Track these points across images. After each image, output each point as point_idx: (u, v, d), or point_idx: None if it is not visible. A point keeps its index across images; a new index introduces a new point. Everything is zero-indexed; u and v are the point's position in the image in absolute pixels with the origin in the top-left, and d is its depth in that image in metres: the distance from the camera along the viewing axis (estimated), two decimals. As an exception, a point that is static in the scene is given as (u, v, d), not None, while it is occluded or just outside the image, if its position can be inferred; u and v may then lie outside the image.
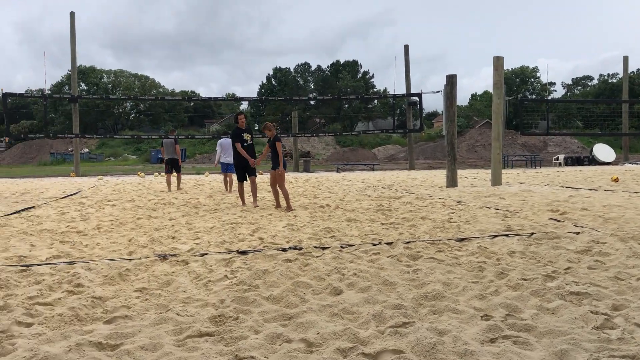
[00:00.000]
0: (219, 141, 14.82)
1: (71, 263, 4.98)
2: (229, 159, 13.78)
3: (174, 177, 15.70)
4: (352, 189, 14.25)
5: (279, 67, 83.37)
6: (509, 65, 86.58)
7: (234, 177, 14.43)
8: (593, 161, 34.18)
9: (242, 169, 10.46)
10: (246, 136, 10.25)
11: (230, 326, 3.15)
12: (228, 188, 14.57)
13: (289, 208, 9.36)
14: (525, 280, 4.08)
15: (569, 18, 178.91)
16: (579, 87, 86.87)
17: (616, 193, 11.13)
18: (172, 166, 15.41)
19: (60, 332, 3.05)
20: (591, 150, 36.06)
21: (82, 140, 50.20)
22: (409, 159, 33.45)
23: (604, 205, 8.77)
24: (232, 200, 11.48)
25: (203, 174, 27.19)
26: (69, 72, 61.25)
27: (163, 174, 27.24)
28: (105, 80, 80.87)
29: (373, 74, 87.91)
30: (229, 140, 14.66)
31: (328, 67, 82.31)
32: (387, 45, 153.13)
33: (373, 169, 32.97)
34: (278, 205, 9.89)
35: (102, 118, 73.10)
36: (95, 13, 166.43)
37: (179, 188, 15.54)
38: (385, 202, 10.42)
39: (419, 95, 30.08)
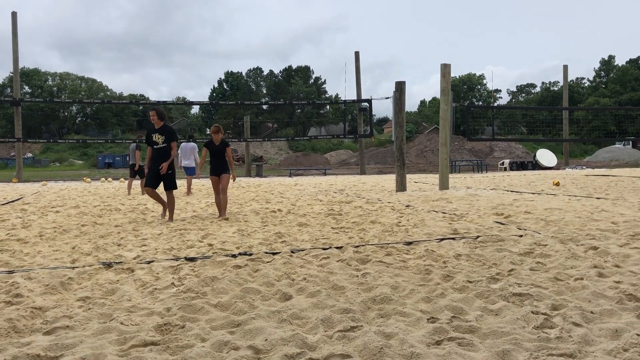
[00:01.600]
0: (181, 145, 15.43)
1: (10, 272, 4.78)
2: (187, 163, 15.24)
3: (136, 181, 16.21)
4: (304, 194, 14.26)
5: (231, 71, 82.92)
6: (457, 72, 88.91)
7: (194, 180, 15.04)
8: (536, 166, 35.37)
9: (154, 176, 8.79)
10: (156, 137, 8.73)
11: (176, 335, 3.09)
12: (187, 192, 14.91)
13: (224, 215, 9.01)
14: (470, 282, 4.17)
15: (515, 27, 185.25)
16: (523, 94, 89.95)
17: (557, 197, 11.56)
18: (136, 171, 15.51)
19: (-4, 345, 2.92)
20: (534, 156, 37.32)
21: (25, 145, 48.44)
22: (360, 164, 33.75)
23: (546, 208, 9.08)
24: (182, 206, 11.29)
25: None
26: (11, 74, 59.04)
27: (110, 179, 26.57)
28: (50, 82, 78.19)
29: (325, 80, 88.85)
30: (190, 144, 15.68)
31: (280, 72, 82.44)
32: (340, 50, 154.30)
33: (325, 174, 33.12)
34: (221, 215, 9.08)
35: (47, 122, 70.76)
36: (40, 13, 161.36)
37: (142, 193, 15.38)
38: (337, 206, 10.48)
39: (369, 101, 30.41)
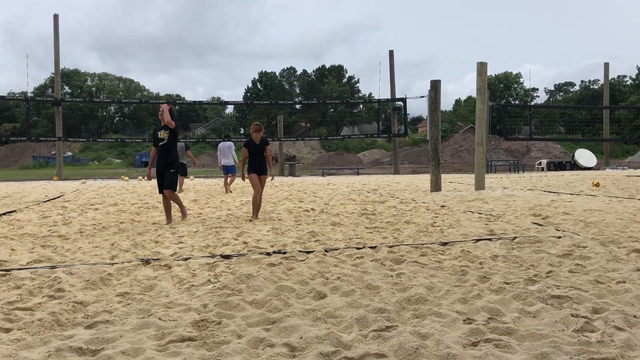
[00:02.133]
0: (219, 145, 16.24)
1: (52, 267, 4.92)
2: (227, 162, 15.85)
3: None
4: (337, 193, 14.26)
5: (265, 71, 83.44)
6: (493, 71, 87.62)
7: (237, 178, 15.96)
8: (575, 166, 34.56)
9: (161, 175, 8.45)
10: (162, 134, 8.38)
11: (213, 331, 3.13)
12: (226, 189, 15.53)
13: (256, 216, 8.72)
14: (507, 284, 4.11)
15: (554, 25, 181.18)
16: (561, 93, 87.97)
17: (597, 198, 11.28)
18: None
19: (40, 338, 3.01)
20: (573, 155, 36.47)
21: (65, 144, 49.71)
22: (394, 164, 33.56)
23: (585, 209, 8.87)
24: (217, 204, 11.43)
25: (187, 177, 27.02)
26: (52, 75, 60.70)
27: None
28: (89, 83, 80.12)
29: (358, 79, 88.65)
30: (227, 143, 16.31)
31: (314, 71, 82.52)
32: (373, 50, 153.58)
33: (358, 173, 33.04)
34: (254, 217, 8.72)
35: (86, 121, 72.46)
36: (80, 14, 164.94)
37: (180, 190, 15.58)
38: (370, 206, 10.44)
39: (404, 100, 30.22)
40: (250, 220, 8.48)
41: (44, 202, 12.69)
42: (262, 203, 9.55)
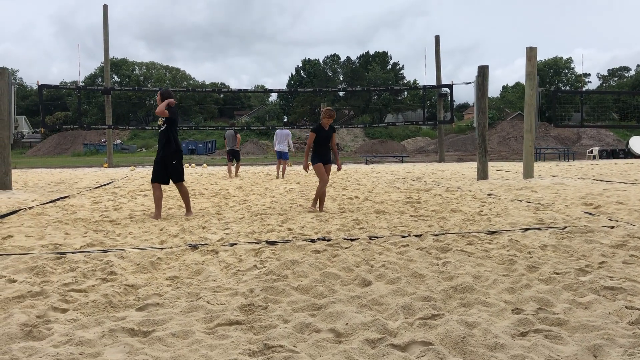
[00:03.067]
0: (277, 131, 17.11)
1: (104, 251, 5.08)
2: (282, 148, 16.60)
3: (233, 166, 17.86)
4: (381, 181, 14.19)
5: (308, 58, 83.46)
6: (543, 56, 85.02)
7: (284, 165, 16.82)
8: (629, 154, 33.35)
9: (164, 167, 7.70)
10: (159, 121, 7.80)
11: (260, 315, 3.18)
12: (279, 175, 16.61)
13: (322, 207, 8.22)
14: (557, 274, 4.01)
15: (609, 6, 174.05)
16: (615, 79, 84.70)
17: (653, 187, 10.85)
18: (233, 155, 17.57)
19: (94, 318, 3.12)
20: (627, 143, 35.18)
21: (114, 132, 51.12)
22: (439, 151, 33.14)
23: (640, 199, 8.55)
24: (261, 192, 11.54)
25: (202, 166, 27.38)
26: (102, 64, 62.31)
27: (193, 165, 27.51)
28: (137, 72, 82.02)
29: (403, 65, 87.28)
30: (285, 131, 17.25)
31: (357, 58, 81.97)
32: (419, 35, 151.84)
33: (402, 161, 32.77)
34: (315, 208, 8.26)
35: (134, 109, 74.18)
36: (129, 5, 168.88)
37: (236, 175, 17.50)
38: (415, 194, 10.35)
39: (450, 86, 29.67)
40: (316, 211, 8.04)
41: (95, 188, 13.10)
42: (306, 192, 9.57)
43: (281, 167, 16.78)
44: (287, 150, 16.71)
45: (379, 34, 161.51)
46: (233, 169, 17.77)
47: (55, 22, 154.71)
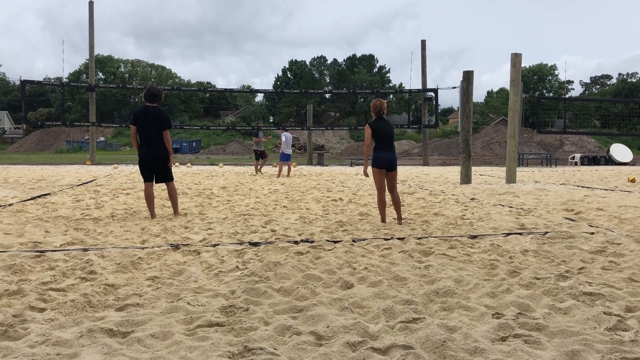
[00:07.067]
0: (285, 134, 17.86)
1: (85, 250, 5.02)
2: (289, 151, 17.57)
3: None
4: (365, 184, 14.21)
5: (295, 59, 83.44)
6: (528, 62, 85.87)
7: (289, 166, 17.72)
8: (610, 161, 33.74)
9: (150, 169, 7.63)
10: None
11: (241, 317, 3.16)
12: (286, 174, 17.57)
13: (400, 219, 6.96)
14: (537, 279, 4.04)
15: (595, 14, 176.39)
16: (597, 86, 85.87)
17: (632, 194, 10.99)
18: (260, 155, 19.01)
19: (73, 318, 3.08)
20: (608, 150, 35.60)
21: (98, 129, 50.57)
22: (423, 155, 33.26)
23: (620, 205, 8.66)
24: (245, 192, 11.50)
25: (217, 165, 27.28)
26: (87, 61, 61.76)
27: (177, 164, 27.40)
28: (123, 69, 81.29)
29: (389, 69, 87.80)
30: (289, 134, 18.14)
31: (344, 60, 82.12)
32: (408, 38, 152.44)
33: (387, 164, 32.82)
34: (399, 221, 6.97)
35: (119, 107, 73.55)
36: (118, 1, 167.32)
37: (261, 171, 19.28)
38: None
39: (435, 90, 29.89)
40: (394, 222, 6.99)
41: (77, 185, 12.95)
42: (290, 193, 9.56)
43: (285, 167, 17.86)
44: (290, 152, 17.75)
45: (369, 36, 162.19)
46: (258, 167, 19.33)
47: (42, 16, 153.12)
